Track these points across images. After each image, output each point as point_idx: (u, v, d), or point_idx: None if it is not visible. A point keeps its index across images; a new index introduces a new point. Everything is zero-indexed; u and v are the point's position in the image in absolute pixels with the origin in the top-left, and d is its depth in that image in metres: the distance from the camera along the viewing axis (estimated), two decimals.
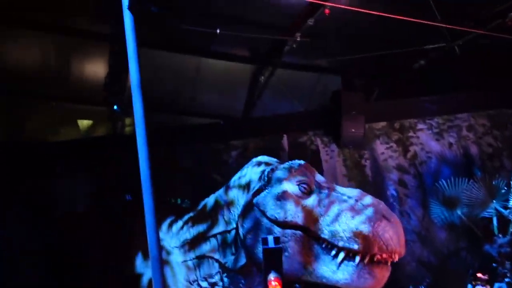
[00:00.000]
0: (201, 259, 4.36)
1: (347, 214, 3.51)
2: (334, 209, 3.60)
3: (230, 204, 4.30)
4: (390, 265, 3.54)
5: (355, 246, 3.39)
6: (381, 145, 7.53)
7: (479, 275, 2.05)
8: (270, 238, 3.06)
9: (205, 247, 4.34)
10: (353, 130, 7.04)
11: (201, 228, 4.44)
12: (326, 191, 3.81)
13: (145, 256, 4.47)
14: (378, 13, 6.23)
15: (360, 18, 6.32)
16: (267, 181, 3.95)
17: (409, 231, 6.87)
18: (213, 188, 4.77)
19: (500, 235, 6.49)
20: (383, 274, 3.52)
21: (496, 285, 2.13)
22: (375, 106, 7.71)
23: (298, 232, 3.62)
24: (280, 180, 3.86)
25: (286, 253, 3.50)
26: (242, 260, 3.96)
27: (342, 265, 3.48)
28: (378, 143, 7.53)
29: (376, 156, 7.46)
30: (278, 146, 7.27)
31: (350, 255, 3.46)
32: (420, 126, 7.68)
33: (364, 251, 3.38)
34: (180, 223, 4.67)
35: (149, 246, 3.43)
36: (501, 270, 6.38)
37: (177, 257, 4.49)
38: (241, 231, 3.94)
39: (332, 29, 6.88)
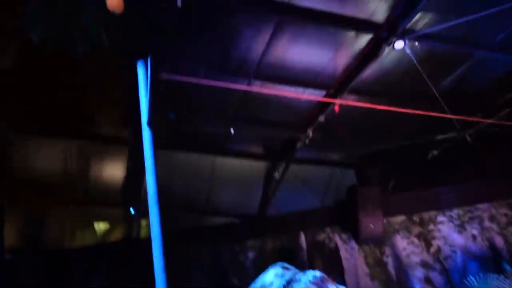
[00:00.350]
0: None
1: None
2: None
3: None
4: None
5: None
6: (402, 240, 7.29)
7: None
8: None
9: None
10: (371, 225, 6.88)
11: None
12: None
13: None
14: (386, 108, 6.44)
15: (370, 112, 6.53)
16: None
17: None
18: None
19: None
20: None
21: None
22: (392, 199, 7.60)
23: None
24: None
25: None
26: None
27: None
28: (399, 238, 7.31)
29: (398, 253, 7.19)
30: (296, 245, 7.08)
31: None
32: (440, 218, 7.49)
33: None
34: None
35: None
36: None
37: None
38: None
39: (343, 124, 7.07)
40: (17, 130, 6.50)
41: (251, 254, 6.88)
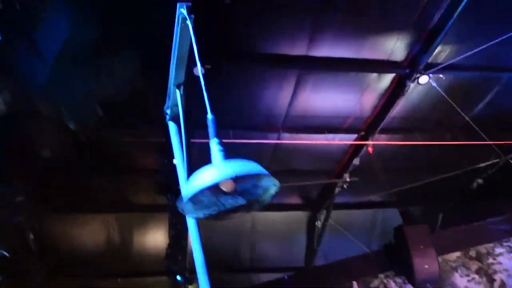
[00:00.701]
0: None
1: None
2: None
3: None
4: None
5: None
6: (461, 278, 6.87)
7: None
8: None
9: None
10: (426, 266, 6.53)
11: None
12: None
13: None
14: (419, 143, 6.34)
15: (405, 148, 6.43)
16: None
17: None
18: None
19: None
20: None
21: None
22: (443, 236, 7.26)
23: None
24: None
25: None
26: None
27: None
28: (458, 276, 6.89)
29: None
30: None
31: None
32: (498, 250, 7.06)
33: None
34: None
35: None
36: None
37: None
38: None
39: (379, 164, 6.97)
40: (58, 208, 6.70)
41: None
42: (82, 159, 5.81)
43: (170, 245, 7.14)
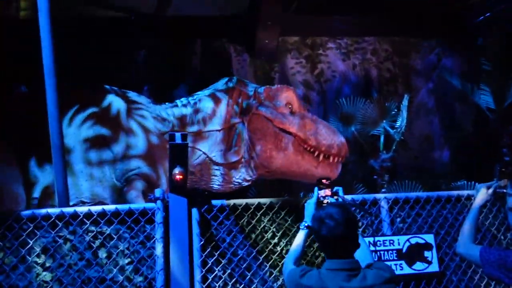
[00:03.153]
0: None
1: (325, 130, 5.12)
2: (313, 125, 5.09)
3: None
4: None
5: (333, 151, 5.05)
6: (292, 59, 7.68)
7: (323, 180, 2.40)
8: (178, 135, 3.08)
9: None
10: (266, 41, 7.04)
11: None
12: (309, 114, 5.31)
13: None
14: None
15: None
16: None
17: None
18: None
19: (384, 152, 7.26)
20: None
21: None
22: (292, 19, 7.66)
23: (292, 138, 5.03)
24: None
25: (286, 152, 4.98)
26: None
27: (321, 162, 5.07)
28: (289, 57, 7.67)
29: (285, 70, 7.63)
30: (191, 51, 7.09)
31: (326, 156, 5.06)
32: (330, 45, 7.90)
33: (338, 154, 5.09)
34: None
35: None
36: (380, 182, 7.25)
37: None
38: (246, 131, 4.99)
39: None
40: None
41: (142, 52, 6.78)
42: None
43: None
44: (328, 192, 2.56)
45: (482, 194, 2.73)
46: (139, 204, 3.37)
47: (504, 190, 2.67)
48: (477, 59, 7.65)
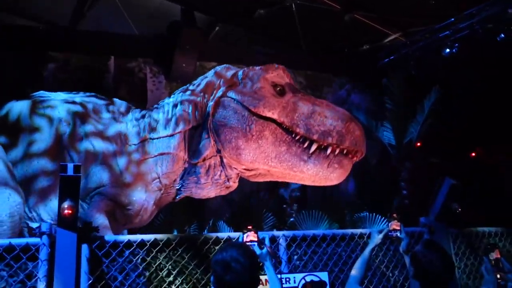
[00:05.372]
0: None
1: (321, 112, 3.86)
2: (309, 107, 3.90)
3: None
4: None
5: (329, 139, 3.77)
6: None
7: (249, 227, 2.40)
8: (70, 166, 2.90)
9: None
10: (184, 65, 6.99)
11: None
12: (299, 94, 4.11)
13: None
14: None
15: None
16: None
17: None
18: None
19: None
20: (350, 166, 3.95)
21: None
22: (211, 46, 7.74)
23: (273, 124, 3.90)
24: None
25: (260, 141, 3.87)
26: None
27: (313, 155, 3.84)
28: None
29: None
30: (104, 68, 6.83)
31: (322, 147, 3.83)
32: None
33: (337, 144, 3.78)
34: None
35: None
36: (289, 210, 7.43)
37: None
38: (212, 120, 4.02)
39: None
40: None
41: (51, 66, 6.39)
42: None
43: None
44: (252, 236, 2.43)
45: (374, 239, 2.98)
46: (21, 239, 3.10)
47: (398, 234, 2.96)
48: (382, 97, 8.21)
